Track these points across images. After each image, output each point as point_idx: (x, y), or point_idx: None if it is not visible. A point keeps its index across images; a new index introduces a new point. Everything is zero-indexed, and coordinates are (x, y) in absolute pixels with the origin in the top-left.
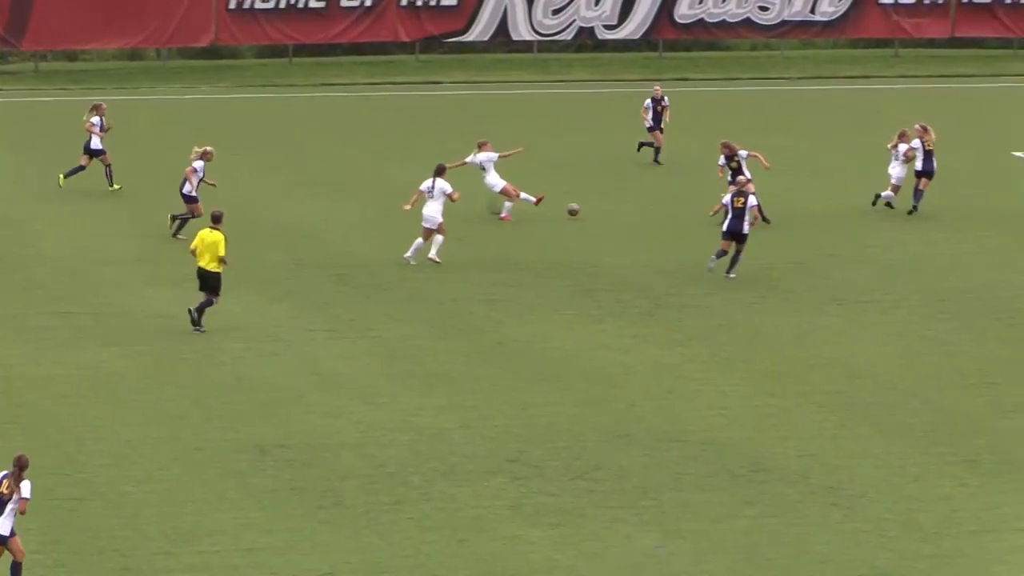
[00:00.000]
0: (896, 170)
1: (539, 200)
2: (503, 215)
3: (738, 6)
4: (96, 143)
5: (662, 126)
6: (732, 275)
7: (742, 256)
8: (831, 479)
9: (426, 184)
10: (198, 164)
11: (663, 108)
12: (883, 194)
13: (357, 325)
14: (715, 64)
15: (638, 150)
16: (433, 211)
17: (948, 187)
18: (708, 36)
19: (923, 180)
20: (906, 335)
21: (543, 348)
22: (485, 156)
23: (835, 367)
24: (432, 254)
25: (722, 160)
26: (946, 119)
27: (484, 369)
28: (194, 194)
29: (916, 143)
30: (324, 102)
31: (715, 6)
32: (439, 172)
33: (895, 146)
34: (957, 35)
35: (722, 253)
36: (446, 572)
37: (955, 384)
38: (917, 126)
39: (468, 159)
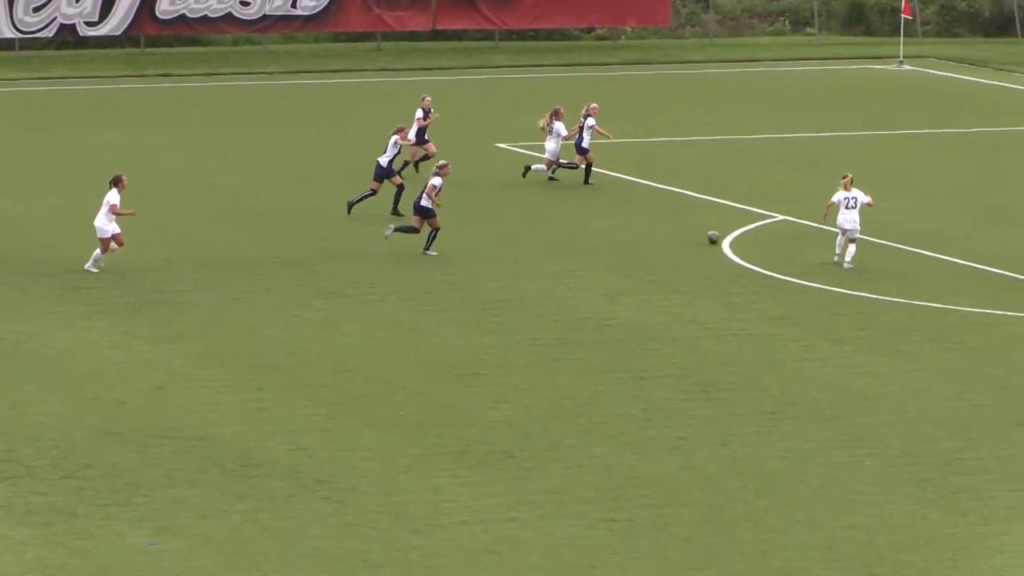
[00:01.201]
0: (551, 144)
1: None
2: None
3: (219, 1)
4: None
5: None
6: (431, 252)
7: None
8: (322, 472)
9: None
10: None
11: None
12: (535, 167)
13: None
14: (198, 59)
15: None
16: (101, 221)
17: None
18: (190, 31)
19: (579, 157)
20: (394, 327)
21: (31, 347)
22: None
23: (323, 360)
24: (89, 264)
25: (394, 139)
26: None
27: None
28: None
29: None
30: None
31: (196, 1)
32: (114, 183)
33: (548, 124)
34: (439, 28)
35: (410, 228)
36: None
37: (443, 375)
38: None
39: None
